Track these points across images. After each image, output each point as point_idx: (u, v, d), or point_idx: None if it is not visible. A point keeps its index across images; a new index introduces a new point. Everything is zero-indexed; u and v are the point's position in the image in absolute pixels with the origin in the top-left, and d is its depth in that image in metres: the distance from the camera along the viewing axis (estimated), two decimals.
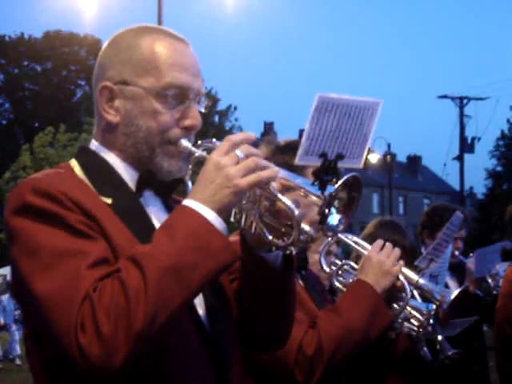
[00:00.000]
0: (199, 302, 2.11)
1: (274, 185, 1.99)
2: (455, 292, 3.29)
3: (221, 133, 42.16)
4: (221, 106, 51.71)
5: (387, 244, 3.14)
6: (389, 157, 46.48)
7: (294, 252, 2.13)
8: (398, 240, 4.39)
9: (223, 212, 1.94)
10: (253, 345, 2.34)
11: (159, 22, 19.61)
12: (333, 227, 2.03)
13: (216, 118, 50.53)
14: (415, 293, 3.31)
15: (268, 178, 1.95)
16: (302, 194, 2.03)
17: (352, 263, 3.31)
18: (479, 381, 5.42)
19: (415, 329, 3.34)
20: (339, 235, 3.20)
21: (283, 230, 2.06)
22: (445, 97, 39.43)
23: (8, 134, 49.72)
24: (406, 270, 3.20)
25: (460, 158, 38.39)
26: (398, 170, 67.19)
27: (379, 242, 3.14)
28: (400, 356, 4.38)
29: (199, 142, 2.17)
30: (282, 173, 2.01)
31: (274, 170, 1.96)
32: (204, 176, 1.96)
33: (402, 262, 3.12)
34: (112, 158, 2.17)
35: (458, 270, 5.56)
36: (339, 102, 1.85)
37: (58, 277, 1.85)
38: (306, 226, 2.00)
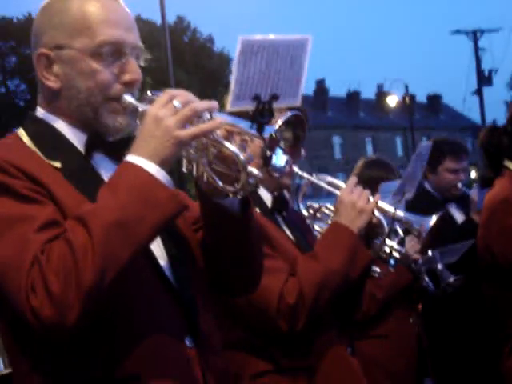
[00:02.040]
0: (161, 254, 2.16)
1: (218, 132, 2.01)
2: (433, 218, 3.29)
3: None
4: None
5: (353, 180, 3.13)
6: (408, 98, 46.14)
7: (242, 195, 2.15)
8: (385, 177, 4.40)
9: (166, 164, 1.97)
10: (222, 291, 2.39)
11: None
12: (279, 168, 2.05)
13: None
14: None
15: (211, 129, 1.97)
16: (248, 138, 2.05)
17: (330, 206, 3.32)
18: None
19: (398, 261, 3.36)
20: (309, 177, 3.21)
21: (234, 175, 2.09)
22: (458, 32, 38.96)
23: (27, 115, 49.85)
24: (382, 205, 3.21)
25: (479, 92, 38.01)
26: (419, 111, 66.69)
27: (351, 181, 3.14)
28: (403, 289, 4.43)
29: (144, 95, 2.19)
30: (226, 118, 2.03)
31: (216, 120, 1.98)
32: (144, 130, 1.99)
33: (376, 198, 3.13)
34: (59, 124, 2.20)
35: (462, 201, 5.56)
36: (264, 43, 1.85)
37: (7, 243, 1.90)
38: (253, 170, 2.02)
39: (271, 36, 1.87)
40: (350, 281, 2.98)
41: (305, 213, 3.35)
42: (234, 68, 1.84)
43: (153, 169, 1.95)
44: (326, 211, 3.35)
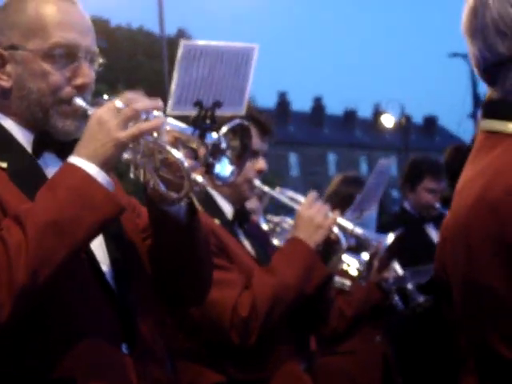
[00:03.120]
0: (103, 260, 2.13)
1: (164, 137, 2.00)
2: (391, 236, 3.28)
3: None
4: None
5: (313, 196, 3.12)
6: (403, 119, 46.21)
7: (186, 202, 2.13)
8: None
9: (107, 166, 1.97)
10: (170, 301, 2.36)
11: None
12: (223, 177, 2.03)
13: None
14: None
15: (149, 129, 1.96)
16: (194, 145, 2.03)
17: (290, 220, 3.31)
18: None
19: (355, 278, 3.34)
20: (270, 191, 3.21)
21: (179, 182, 2.07)
22: (455, 55, 39.04)
23: None
24: (341, 221, 3.20)
25: (474, 115, 38.09)
26: (415, 132, 66.75)
27: (309, 196, 3.13)
28: (372, 306, 4.41)
29: (99, 99, 2.18)
30: (173, 124, 2.01)
31: (156, 120, 1.97)
32: (87, 131, 2.00)
33: (336, 214, 3.11)
34: (8, 123, 2.18)
35: (440, 221, 5.55)
36: (207, 49, 1.84)
37: None
38: (198, 177, 2.00)
39: (215, 43, 1.86)
40: (305, 295, 2.96)
41: (265, 227, 3.34)
42: (176, 72, 1.83)
43: (92, 170, 1.94)
44: (286, 226, 3.33)
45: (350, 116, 68.86)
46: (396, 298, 4.48)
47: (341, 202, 3.57)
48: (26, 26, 2.15)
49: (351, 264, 3.29)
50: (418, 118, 71.41)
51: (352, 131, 67.90)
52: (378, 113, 64.96)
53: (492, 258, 1.33)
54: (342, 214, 3.36)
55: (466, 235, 1.40)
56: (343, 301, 4.21)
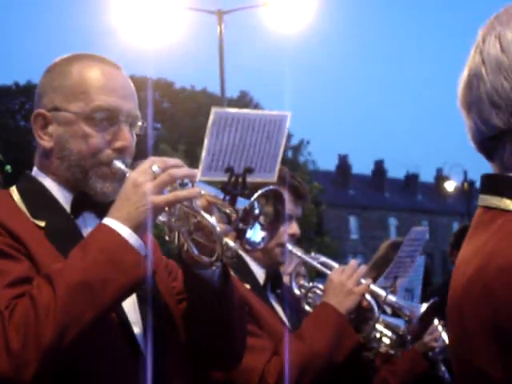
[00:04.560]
0: (136, 321, 2.15)
1: (199, 202, 2.03)
2: (424, 306, 3.23)
3: (295, 167, 42.35)
4: (294, 141, 51.86)
5: (351, 263, 3.11)
6: (466, 184, 45.72)
7: (218, 266, 2.14)
8: None
9: (140, 229, 2.00)
10: (202, 364, 2.36)
11: (221, 60, 19.86)
12: (253, 243, 2.05)
13: (289, 153, 50.70)
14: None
15: (186, 198, 2.00)
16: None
17: (321, 286, 3.29)
18: None
19: (390, 347, 3.28)
20: (303, 256, 3.21)
21: (211, 246, 2.09)
22: None
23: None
24: (374, 288, 3.16)
25: None
26: (478, 197, 65.81)
27: (349, 264, 3.12)
28: (417, 376, 4.30)
29: (137, 162, 2.22)
30: (205, 188, 2.05)
31: (193, 190, 2.00)
32: (122, 194, 2.03)
33: (369, 281, 3.09)
34: (48, 182, 2.25)
35: None
36: (239, 116, 1.87)
37: None
38: (230, 242, 2.02)
39: (246, 110, 1.89)
40: (334, 363, 2.92)
41: (297, 292, 3.33)
42: (206, 139, 1.87)
43: (125, 232, 1.97)
44: (318, 291, 3.31)
45: (411, 180, 68.43)
46: (443, 368, 4.37)
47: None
48: (70, 89, 2.22)
49: (385, 333, 3.24)
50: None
51: (414, 195, 67.36)
52: (440, 177, 64.47)
53: (484, 341, 1.30)
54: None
55: (461, 316, 1.37)
56: (388, 371, 4.12)
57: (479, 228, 1.44)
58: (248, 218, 1.99)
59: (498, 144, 1.45)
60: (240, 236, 1.99)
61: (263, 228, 2.06)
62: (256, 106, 50.95)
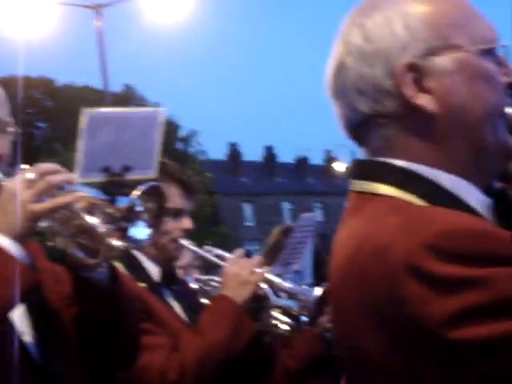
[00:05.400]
0: (27, 330, 2.12)
1: (79, 204, 2.01)
2: (318, 290, 3.30)
3: (185, 159, 42.24)
4: (183, 133, 51.72)
5: (238, 252, 3.15)
6: None
7: (105, 267, 2.14)
8: None
9: (20, 238, 1.97)
10: (98, 366, 2.35)
11: (101, 54, 19.58)
12: (138, 240, 2.05)
13: (179, 145, 50.54)
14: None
15: (65, 204, 1.98)
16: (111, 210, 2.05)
17: (217, 278, 3.32)
18: None
19: (288, 331, 3.34)
20: (197, 250, 3.23)
21: (96, 247, 2.08)
22: None
23: None
24: (269, 276, 3.21)
25: None
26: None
27: (236, 253, 3.16)
28: (317, 358, 4.38)
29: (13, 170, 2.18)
30: (88, 191, 2.03)
31: (72, 195, 1.98)
32: (0, 204, 1.99)
33: (263, 269, 3.13)
34: None
35: None
36: (112, 116, 1.87)
37: None
38: (114, 242, 2.01)
39: (119, 109, 1.89)
40: (234, 354, 2.95)
41: (194, 285, 3.35)
42: (81, 140, 1.85)
43: (5, 243, 1.94)
44: (215, 284, 3.34)
45: (301, 163, 69.48)
46: None
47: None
48: None
49: (282, 318, 3.30)
50: None
51: (305, 178, 68.42)
52: (329, 159, 65.76)
53: (364, 322, 1.34)
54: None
55: (340, 298, 1.42)
56: (287, 355, 4.18)
57: (352, 212, 1.48)
58: (130, 216, 1.99)
59: (366, 130, 1.50)
60: (123, 235, 1.99)
61: (147, 225, 2.06)
62: (141, 100, 50.50)
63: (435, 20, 1.44)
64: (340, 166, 52.05)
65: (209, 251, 3.30)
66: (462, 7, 1.48)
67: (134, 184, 2.00)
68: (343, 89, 1.50)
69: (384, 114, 1.46)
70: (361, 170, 1.52)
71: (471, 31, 1.45)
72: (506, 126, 1.46)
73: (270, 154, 67.42)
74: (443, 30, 1.44)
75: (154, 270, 3.09)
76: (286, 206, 65.53)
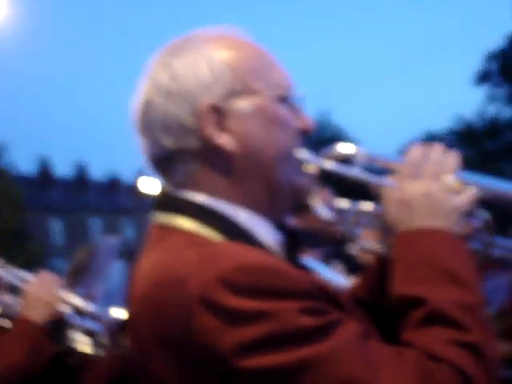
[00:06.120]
0: None
1: None
2: (116, 311, 3.33)
3: None
4: None
5: (42, 275, 3.16)
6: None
7: None
8: None
9: None
10: None
11: None
12: None
13: None
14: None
15: None
16: None
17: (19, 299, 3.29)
18: None
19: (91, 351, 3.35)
20: None
21: None
22: None
23: None
24: (70, 297, 3.21)
25: None
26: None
27: (39, 275, 3.17)
28: (120, 381, 4.38)
29: None
30: None
31: None
32: None
33: (61, 291, 3.15)
34: None
35: None
36: None
37: None
38: None
39: None
40: (33, 374, 2.97)
41: None
42: None
43: None
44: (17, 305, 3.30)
45: (114, 182, 68.72)
46: None
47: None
48: None
49: (83, 341, 3.30)
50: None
51: (117, 196, 67.64)
52: (141, 176, 65.41)
53: (154, 349, 1.40)
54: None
55: (137, 329, 1.48)
56: (91, 377, 4.16)
57: (154, 244, 1.54)
58: None
59: (170, 164, 1.57)
60: None
61: None
62: None
63: (237, 65, 1.55)
64: (149, 185, 51.85)
65: (10, 272, 3.26)
66: (262, 56, 1.60)
67: None
68: (149, 124, 1.57)
69: (187, 150, 1.54)
70: (164, 202, 1.59)
71: (268, 78, 1.57)
72: (297, 167, 1.59)
73: (81, 170, 66.27)
74: (243, 75, 1.54)
75: None
76: (97, 224, 64.52)
